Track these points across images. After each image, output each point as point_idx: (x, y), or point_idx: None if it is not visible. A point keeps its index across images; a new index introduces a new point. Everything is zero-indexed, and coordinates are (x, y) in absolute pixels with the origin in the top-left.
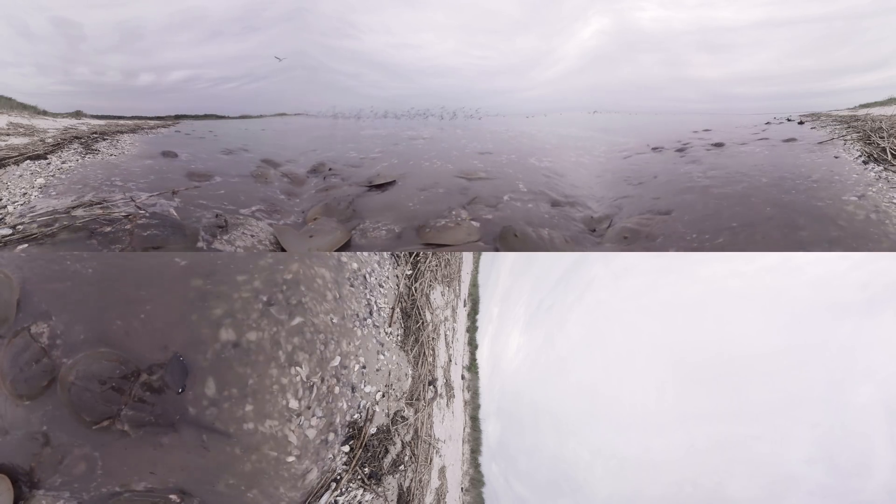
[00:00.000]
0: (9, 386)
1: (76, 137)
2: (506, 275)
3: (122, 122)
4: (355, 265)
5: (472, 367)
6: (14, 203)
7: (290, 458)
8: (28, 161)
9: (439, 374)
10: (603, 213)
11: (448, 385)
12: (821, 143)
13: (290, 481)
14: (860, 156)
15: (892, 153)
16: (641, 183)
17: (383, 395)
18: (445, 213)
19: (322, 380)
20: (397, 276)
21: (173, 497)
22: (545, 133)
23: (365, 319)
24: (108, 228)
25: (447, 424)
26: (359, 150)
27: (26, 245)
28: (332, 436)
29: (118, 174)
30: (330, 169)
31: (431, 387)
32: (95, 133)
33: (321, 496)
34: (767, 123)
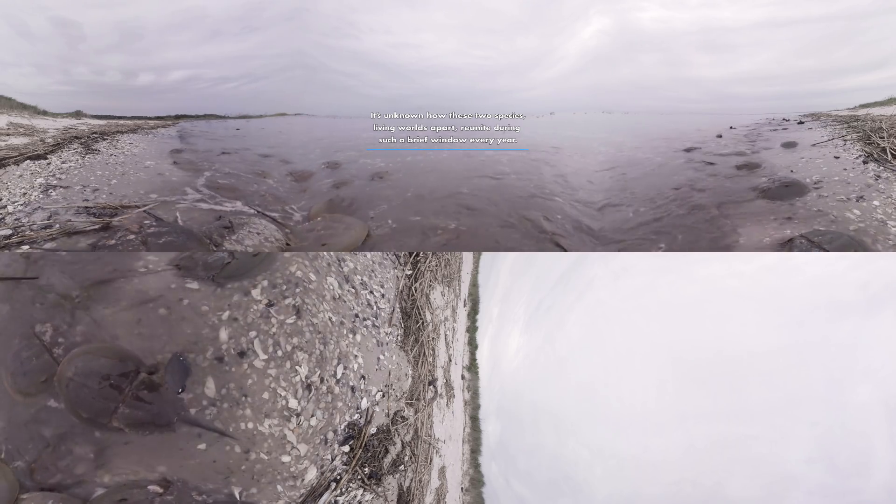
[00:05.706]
0: (9, 381)
1: (76, 137)
2: (506, 275)
3: (122, 122)
4: (355, 265)
5: (472, 366)
6: (14, 203)
7: (289, 458)
8: (28, 161)
9: (439, 374)
10: None
11: (448, 385)
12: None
13: (288, 481)
14: (860, 156)
15: (892, 153)
16: None
17: (383, 395)
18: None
19: (321, 380)
20: (397, 277)
21: (161, 490)
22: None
23: (365, 320)
24: (112, 242)
25: (447, 424)
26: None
27: (27, 247)
28: (331, 435)
29: (119, 175)
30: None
31: (431, 387)
32: (95, 133)
33: (321, 496)
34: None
